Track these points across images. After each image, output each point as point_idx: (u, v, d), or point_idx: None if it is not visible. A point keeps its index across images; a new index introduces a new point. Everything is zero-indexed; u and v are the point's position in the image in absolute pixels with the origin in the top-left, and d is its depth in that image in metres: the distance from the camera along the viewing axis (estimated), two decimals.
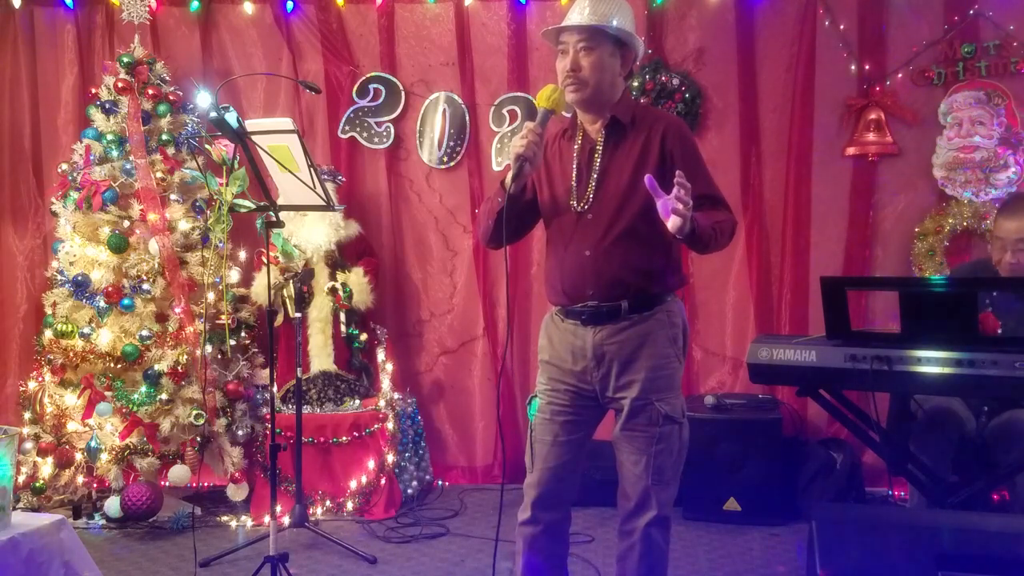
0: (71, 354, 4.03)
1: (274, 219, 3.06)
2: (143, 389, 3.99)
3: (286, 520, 3.69)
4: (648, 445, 2.32)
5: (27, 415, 4.06)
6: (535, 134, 2.24)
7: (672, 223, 2.11)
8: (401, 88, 4.53)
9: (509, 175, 2.26)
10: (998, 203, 3.73)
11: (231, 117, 2.83)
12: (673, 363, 2.37)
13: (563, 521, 2.47)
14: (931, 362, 2.58)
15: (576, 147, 2.39)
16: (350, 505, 4.05)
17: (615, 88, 2.36)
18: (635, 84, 4.33)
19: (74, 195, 4.13)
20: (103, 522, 3.96)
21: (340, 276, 4.27)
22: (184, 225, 4.12)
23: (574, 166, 2.38)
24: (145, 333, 3.99)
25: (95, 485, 4.01)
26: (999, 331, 3.02)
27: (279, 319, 4.16)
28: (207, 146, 4.19)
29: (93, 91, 4.34)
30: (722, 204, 2.35)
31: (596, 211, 2.32)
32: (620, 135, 2.35)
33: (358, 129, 4.56)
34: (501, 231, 2.30)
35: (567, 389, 2.40)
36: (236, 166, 3.59)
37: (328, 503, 4.07)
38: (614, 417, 2.41)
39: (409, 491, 4.21)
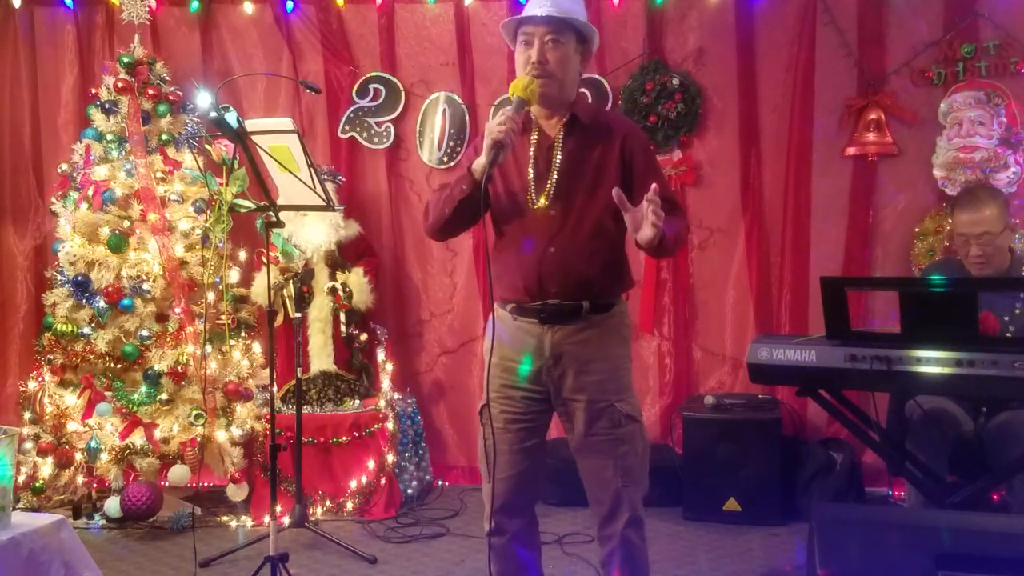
0: (71, 354, 4.03)
1: (274, 219, 3.06)
2: (143, 389, 3.99)
3: (286, 520, 3.70)
4: (613, 448, 2.30)
5: (27, 415, 4.06)
6: (513, 121, 2.18)
7: (643, 235, 2.10)
8: (401, 88, 4.53)
9: (482, 160, 2.19)
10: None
11: (231, 117, 2.83)
12: (627, 363, 2.38)
13: (530, 526, 2.47)
14: (931, 362, 2.58)
15: (532, 142, 2.34)
16: (350, 505, 4.05)
17: (575, 86, 2.35)
18: (635, 84, 4.33)
19: (74, 195, 4.13)
20: (103, 522, 3.96)
21: (340, 276, 4.27)
22: (184, 225, 4.12)
23: (531, 162, 2.33)
24: (145, 333, 3.99)
25: (95, 485, 4.01)
26: (999, 331, 3.02)
27: (279, 319, 4.16)
28: (207, 146, 4.19)
29: (93, 91, 4.34)
30: (677, 207, 2.34)
31: (560, 208, 2.28)
32: (579, 134, 2.32)
33: (358, 129, 4.56)
34: (459, 219, 2.28)
35: (523, 397, 2.36)
36: (236, 166, 3.59)
37: (328, 503, 4.07)
38: (564, 425, 2.38)
39: (409, 491, 4.21)
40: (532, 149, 2.34)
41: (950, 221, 4.08)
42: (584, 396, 2.30)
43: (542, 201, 2.30)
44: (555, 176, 2.30)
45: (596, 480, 2.35)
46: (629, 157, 2.30)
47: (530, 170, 2.33)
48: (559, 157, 2.31)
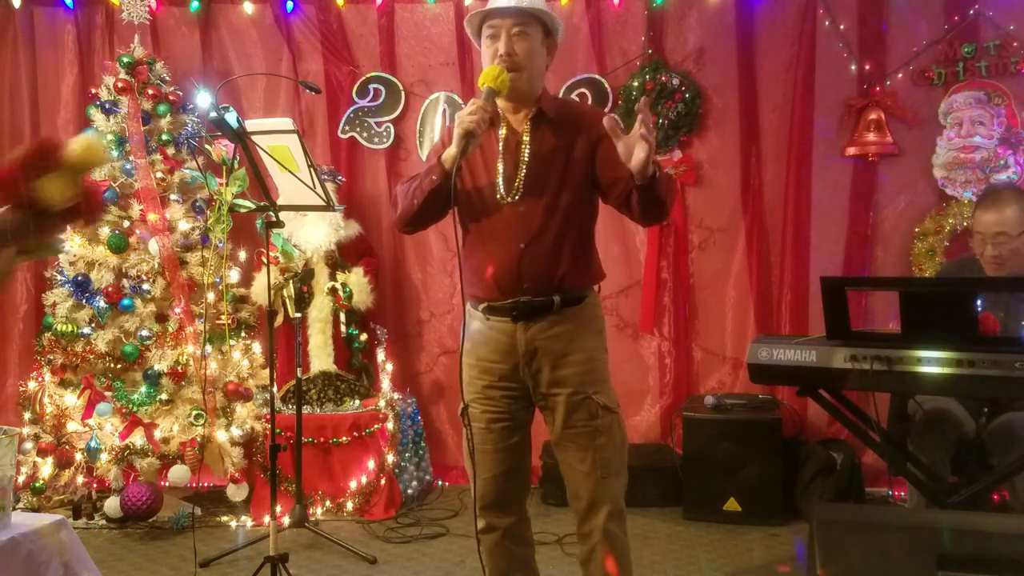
0: (71, 354, 4.03)
1: (274, 219, 3.06)
2: (143, 389, 3.99)
3: (286, 520, 3.69)
4: (591, 440, 2.29)
5: (27, 415, 4.06)
6: (484, 110, 2.16)
7: (637, 157, 2.04)
8: (401, 88, 4.53)
9: (452, 150, 2.18)
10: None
11: (231, 117, 2.83)
12: (603, 355, 2.37)
13: (521, 522, 2.45)
14: (931, 362, 2.58)
15: (501, 137, 2.32)
16: (350, 505, 4.05)
17: (542, 79, 2.33)
18: (635, 84, 4.33)
19: None
20: (103, 522, 3.96)
21: (340, 276, 4.27)
22: (184, 225, 4.13)
23: (499, 156, 2.30)
24: (145, 333, 4.00)
25: (95, 485, 4.01)
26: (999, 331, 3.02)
27: (279, 319, 4.16)
28: (207, 146, 4.19)
29: (93, 91, 4.34)
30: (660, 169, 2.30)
31: (528, 203, 2.26)
32: (546, 128, 2.31)
33: (358, 129, 4.56)
34: (428, 211, 2.26)
35: (503, 396, 2.35)
36: (236, 166, 3.59)
37: (328, 503, 4.07)
38: (545, 419, 2.38)
39: (409, 491, 4.21)
40: (500, 145, 2.32)
41: (957, 217, 4.09)
42: (561, 390, 2.30)
43: (511, 197, 2.27)
44: (524, 171, 2.27)
45: (575, 473, 2.34)
46: (597, 141, 2.27)
47: (499, 166, 2.30)
48: (527, 152, 2.29)
